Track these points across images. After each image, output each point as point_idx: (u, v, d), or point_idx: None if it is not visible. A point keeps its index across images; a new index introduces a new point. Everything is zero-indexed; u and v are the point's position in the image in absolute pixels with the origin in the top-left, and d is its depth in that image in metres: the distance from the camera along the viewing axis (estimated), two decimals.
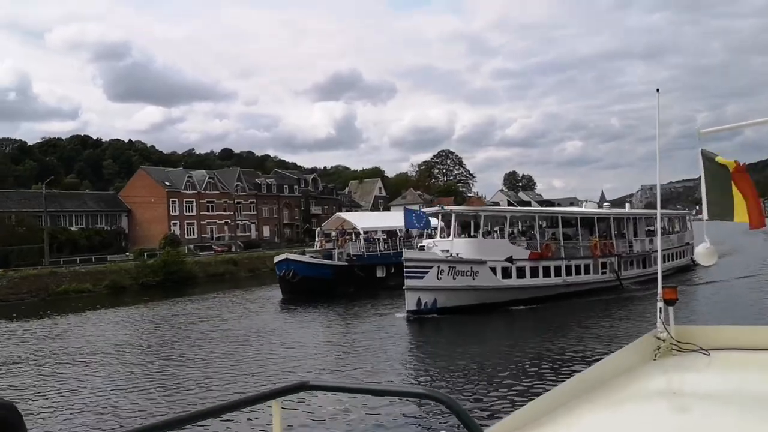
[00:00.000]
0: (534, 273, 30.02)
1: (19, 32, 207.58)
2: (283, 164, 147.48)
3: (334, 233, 43.99)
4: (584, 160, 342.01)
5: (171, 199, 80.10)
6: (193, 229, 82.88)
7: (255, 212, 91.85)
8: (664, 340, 3.79)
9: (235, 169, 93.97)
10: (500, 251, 29.10)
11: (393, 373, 17.19)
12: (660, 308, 3.95)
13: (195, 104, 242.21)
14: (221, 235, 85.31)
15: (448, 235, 29.42)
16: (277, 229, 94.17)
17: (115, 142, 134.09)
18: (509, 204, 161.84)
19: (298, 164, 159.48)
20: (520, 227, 35.51)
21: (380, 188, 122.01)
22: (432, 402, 2.33)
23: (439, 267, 26.98)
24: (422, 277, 26.57)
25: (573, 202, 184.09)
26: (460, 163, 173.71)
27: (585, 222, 35.75)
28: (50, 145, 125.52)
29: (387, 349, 20.66)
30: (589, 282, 32.27)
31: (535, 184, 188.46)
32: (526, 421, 2.60)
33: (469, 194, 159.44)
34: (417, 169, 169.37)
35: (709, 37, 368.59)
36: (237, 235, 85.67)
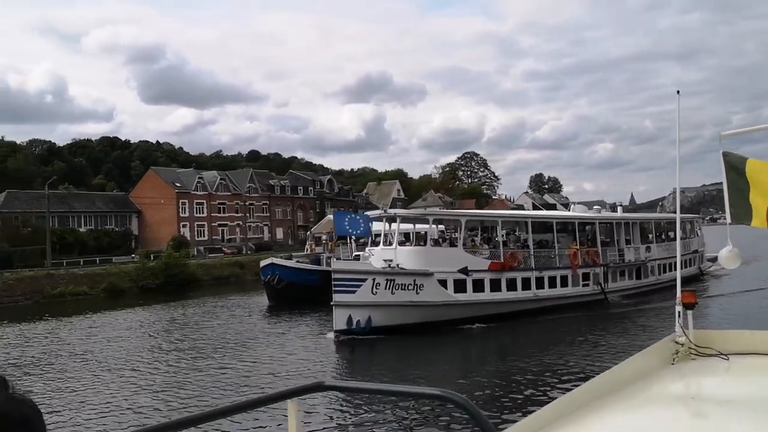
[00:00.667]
0: (495, 286, 26.42)
1: (56, 36, 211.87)
2: (309, 166, 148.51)
3: (324, 237, 41.97)
4: (616, 163, 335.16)
5: (181, 201, 79.18)
6: (203, 230, 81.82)
7: (268, 214, 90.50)
8: (682, 345, 3.77)
9: (248, 170, 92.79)
10: (452, 261, 25.58)
11: None
12: (678, 312, 3.90)
13: (227, 106, 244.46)
14: (232, 237, 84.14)
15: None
16: (291, 231, 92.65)
17: (144, 144, 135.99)
18: (534, 207, 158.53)
19: (325, 166, 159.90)
20: (497, 233, 31.89)
21: (398, 190, 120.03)
22: (447, 403, 2.26)
23: (374, 280, 23.61)
24: (354, 292, 23.31)
25: (600, 204, 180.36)
26: (485, 165, 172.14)
27: (565, 227, 32.31)
28: (80, 146, 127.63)
29: (304, 374, 17.85)
30: (565, 296, 28.64)
31: (561, 186, 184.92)
32: (543, 424, 2.57)
33: (494, 196, 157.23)
34: (441, 171, 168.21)
35: (743, 37, 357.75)
36: (248, 237, 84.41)
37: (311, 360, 20.24)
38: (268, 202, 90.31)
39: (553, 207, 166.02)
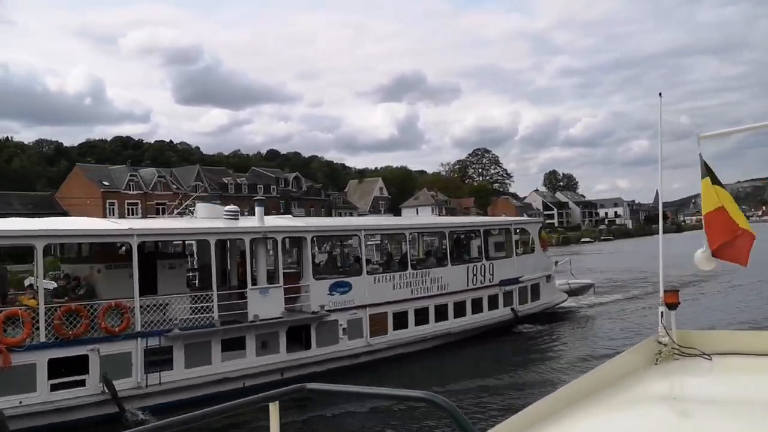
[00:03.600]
0: None
1: (91, 39, 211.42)
2: (331, 165, 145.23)
3: None
4: (651, 160, 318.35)
5: (108, 201, 70.77)
6: None
7: None
8: (665, 345, 3.75)
9: (195, 166, 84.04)
10: None
11: None
12: (661, 312, 3.88)
13: (260, 106, 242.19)
14: None
15: None
16: None
17: (157, 144, 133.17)
18: (543, 206, 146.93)
19: (348, 165, 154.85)
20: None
21: (381, 188, 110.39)
22: (430, 406, 2.26)
23: None
24: None
25: (617, 203, 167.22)
26: (497, 162, 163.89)
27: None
28: (89, 146, 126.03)
29: None
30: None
31: (576, 183, 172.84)
32: (526, 425, 2.56)
33: (506, 194, 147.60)
34: (449, 168, 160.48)
35: None
36: None
37: None
38: (219, 201, 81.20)
39: (564, 205, 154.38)
